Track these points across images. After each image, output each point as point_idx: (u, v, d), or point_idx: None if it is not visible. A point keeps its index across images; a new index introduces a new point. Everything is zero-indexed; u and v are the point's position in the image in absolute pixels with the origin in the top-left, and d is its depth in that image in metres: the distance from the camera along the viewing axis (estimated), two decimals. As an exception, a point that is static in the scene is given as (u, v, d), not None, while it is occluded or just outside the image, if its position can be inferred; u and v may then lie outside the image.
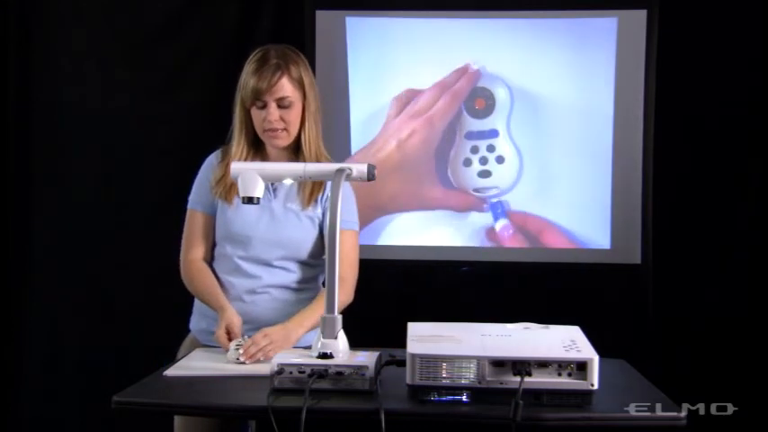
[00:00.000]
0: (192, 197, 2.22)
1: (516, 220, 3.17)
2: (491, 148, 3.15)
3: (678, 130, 3.11)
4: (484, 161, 3.15)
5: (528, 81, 3.14)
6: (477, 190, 3.17)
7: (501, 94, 3.15)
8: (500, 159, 3.15)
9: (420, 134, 3.16)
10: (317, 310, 1.98)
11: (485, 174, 3.16)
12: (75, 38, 3.23)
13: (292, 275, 2.15)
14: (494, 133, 3.15)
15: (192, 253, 2.18)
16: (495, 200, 3.16)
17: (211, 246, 2.21)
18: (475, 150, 3.15)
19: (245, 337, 1.96)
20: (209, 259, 2.20)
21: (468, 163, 3.16)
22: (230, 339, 1.97)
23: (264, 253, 2.13)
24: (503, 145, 3.15)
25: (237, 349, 1.89)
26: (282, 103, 2.10)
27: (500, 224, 3.17)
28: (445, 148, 3.18)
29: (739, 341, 3.10)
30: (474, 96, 3.15)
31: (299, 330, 2.01)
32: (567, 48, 3.13)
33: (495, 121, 3.15)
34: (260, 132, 2.14)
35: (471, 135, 3.16)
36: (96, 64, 3.23)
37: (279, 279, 2.15)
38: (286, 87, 2.10)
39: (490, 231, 3.18)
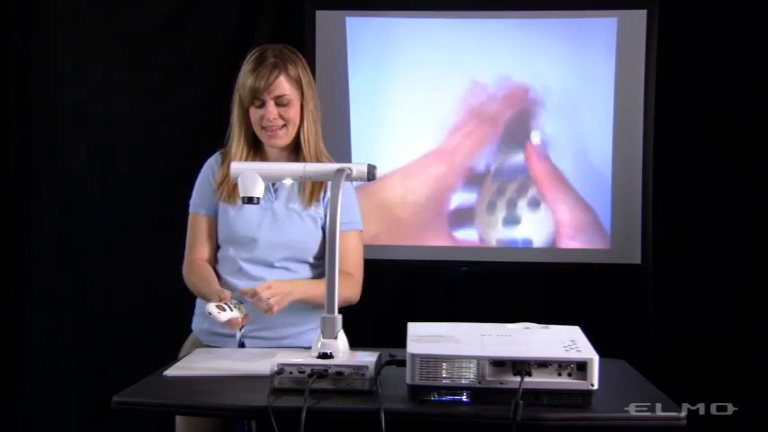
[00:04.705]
0: (194, 200, 2.21)
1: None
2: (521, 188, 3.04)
3: (678, 129, 3.10)
4: (512, 204, 3.00)
5: (528, 81, 3.14)
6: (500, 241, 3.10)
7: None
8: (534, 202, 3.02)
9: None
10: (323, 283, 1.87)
11: (512, 221, 3.06)
12: (76, 38, 3.23)
13: (295, 275, 2.14)
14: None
15: (195, 253, 2.18)
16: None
17: (215, 248, 2.20)
18: (502, 191, 3.05)
19: (234, 303, 1.94)
20: (213, 262, 2.20)
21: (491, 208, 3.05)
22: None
23: (268, 254, 2.13)
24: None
25: (217, 306, 1.89)
26: (280, 102, 2.10)
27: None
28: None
29: (739, 341, 3.10)
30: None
31: (301, 289, 2.03)
32: (566, 48, 3.13)
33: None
34: (258, 131, 2.14)
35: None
36: (96, 64, 3.23)
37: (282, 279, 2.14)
38: (284, 86, 2.09)
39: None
